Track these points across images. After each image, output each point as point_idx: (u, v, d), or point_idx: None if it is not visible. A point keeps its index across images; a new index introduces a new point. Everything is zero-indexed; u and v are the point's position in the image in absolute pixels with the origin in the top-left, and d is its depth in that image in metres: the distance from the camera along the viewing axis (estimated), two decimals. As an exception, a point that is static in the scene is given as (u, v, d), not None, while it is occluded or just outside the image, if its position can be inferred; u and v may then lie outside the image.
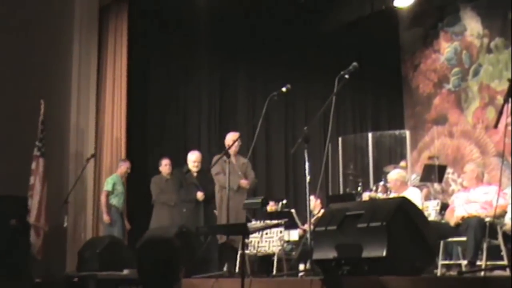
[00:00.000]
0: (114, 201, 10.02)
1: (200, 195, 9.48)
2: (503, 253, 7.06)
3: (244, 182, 9.17)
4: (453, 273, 7.69)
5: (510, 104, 4.72)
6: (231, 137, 9.13)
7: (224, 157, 8.24)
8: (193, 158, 9.66)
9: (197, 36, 11.96)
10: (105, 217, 9.86)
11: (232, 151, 8.80)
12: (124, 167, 10.24)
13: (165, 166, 10.15)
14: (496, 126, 4.80)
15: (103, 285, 7.56)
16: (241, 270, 5.91)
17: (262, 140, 12.36)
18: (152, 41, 11.59)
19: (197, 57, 12.20)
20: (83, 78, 10.34)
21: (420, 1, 12.32)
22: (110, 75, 10.64)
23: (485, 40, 13.06)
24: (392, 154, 12.83)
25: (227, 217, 7.81)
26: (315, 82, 12.92)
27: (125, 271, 7.73)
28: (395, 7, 12.50)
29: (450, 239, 7.44)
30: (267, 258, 8.95)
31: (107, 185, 10.03)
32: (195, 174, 9.63)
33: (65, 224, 9.53)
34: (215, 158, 8.84)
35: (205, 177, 9.51)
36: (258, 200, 7.87)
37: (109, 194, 9.95)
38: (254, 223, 7.97)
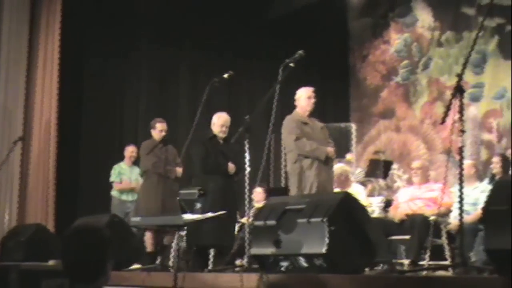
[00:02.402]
0: (130, 196, 9.68)
1: (231, 167, 7.87)
2: (446, 253, 7.15)
3: (331, 151, 7.35)
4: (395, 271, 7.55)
5: (458, 100, 4.70)
6: (305, 93, 7.55)
7: (303, 119, 7.24)
8: (221, 122, 7.97)
9: (137, 16, 11.69)
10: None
11: (307, 111, 7.42)
12: (128, 152, 9.91)
13: (160, 132, 8.53)
14: (443, 122, 4.69)
15: (26, 277, 7.22)
16: (175, 264, 5.78)
17: (203, 128, 11.90)
18: (88, 18, 11.13)
19: (136, 37, 11.87)
20: (12, 56, 9.95)
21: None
22: (41, 53, 10.26)
23: (436, 33, 12.93)
24: (337, 148, 12.59)
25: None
26: (260, 70, 12.71)
27: (51, 262, 7.36)
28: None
29: (393, 237, 7.44)
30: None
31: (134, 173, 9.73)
32: (221, 141, 8.01)
33: (-12, 211, 9.18)
34: (289, 119, 7.42)
35: (233, 145, 7.54)
36: (195, 190, 7.65)
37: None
38: (190, 215, 7.67)
